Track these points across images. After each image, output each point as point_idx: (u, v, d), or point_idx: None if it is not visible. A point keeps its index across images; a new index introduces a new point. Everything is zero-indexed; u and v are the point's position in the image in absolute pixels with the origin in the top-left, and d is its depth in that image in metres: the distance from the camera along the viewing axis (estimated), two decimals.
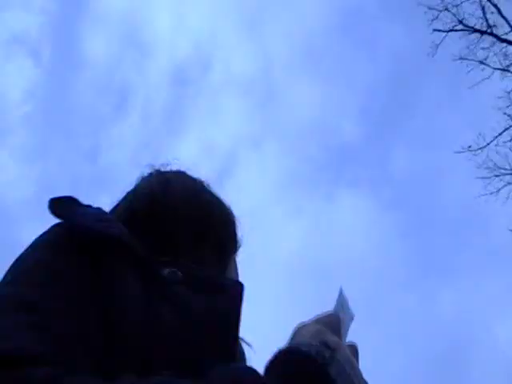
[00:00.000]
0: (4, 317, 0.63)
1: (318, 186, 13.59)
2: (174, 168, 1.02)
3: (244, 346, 0.87)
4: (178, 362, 0.68)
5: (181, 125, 13.74)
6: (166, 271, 0.78)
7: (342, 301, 0.81)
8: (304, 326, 0.75)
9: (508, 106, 10.02)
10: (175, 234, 0.91)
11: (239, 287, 0.80)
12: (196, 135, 14.08)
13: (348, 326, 0.80)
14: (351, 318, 0.81)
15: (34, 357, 0.58)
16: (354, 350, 0.76)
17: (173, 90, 14.04)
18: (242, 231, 1.03)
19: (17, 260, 0.73)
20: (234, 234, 0.99)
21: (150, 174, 1.00)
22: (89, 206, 0.83)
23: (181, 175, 1.00)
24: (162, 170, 1.01)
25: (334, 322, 0.76)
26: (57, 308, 0.65)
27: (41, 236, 0.76)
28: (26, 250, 0.74)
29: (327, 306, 0.79)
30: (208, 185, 1.00)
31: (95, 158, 13.59)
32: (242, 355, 0.86)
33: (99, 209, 0.83)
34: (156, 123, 13.79)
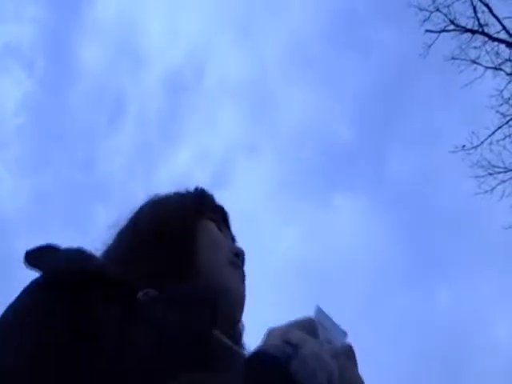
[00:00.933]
0: None
1: (314, 189, 13.60)
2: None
3: None
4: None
5: (176, 132, 13.79)
6: (140, 294, 0.77)
7: (320, 320, 0.78)
8: (273, 329, 0.74)
9: (501, 105, 10.04)
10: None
11: (210, 297, 0.80)
12: (191, 142, 14.07)
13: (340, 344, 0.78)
14: (343, 336, 0.79)
15: None
16: (347, 350, 0.75)
17: (167, 97, 14.06)
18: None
19: None
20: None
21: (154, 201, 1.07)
22: (67, 249, 0.80)
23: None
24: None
25: (308, 325, 0.75)
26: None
27: (19, 297, 0.73)
28: (6, 313, 0.71)
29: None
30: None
31: (90, 168, 13.56)
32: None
33: (73, 249, 0.80)
34: (151, 131, 13.81)
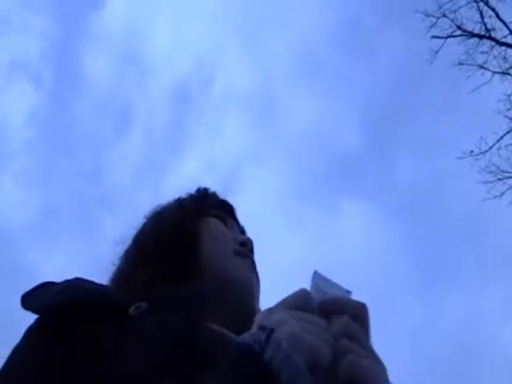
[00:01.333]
0: None
1: (321, 196, 13.60)
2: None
3: None
4: None
5: (183, 142, 13.82)
6: (131, 309, 0.74)
7: (318, 284, 0.73)
8: (257, 315, 0.68)
9: (509, 109, 10.00)
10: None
11: (192, 297, 0.76)
12: (198, 151, 14.12)
13: None
14: (347, 295, 0.73)
15: None
16: (355, 311, 0.68)
17: (174, 107, 14.11)
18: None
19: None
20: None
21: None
22: (59, 283, 0.78)
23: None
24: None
25: (301, 299, 0.68)
26: None
27: (22, 338, 0.72)
28: (11, 355, 0.70)
29: None
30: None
31: (98, 179, 13.63)
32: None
33: (66, 281, 0.78)
34: (158, 141, 13.84)
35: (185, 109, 14.83)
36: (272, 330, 0.61)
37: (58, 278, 0.78)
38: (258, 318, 0.67)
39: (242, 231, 1.13)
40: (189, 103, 14.43)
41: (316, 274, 0.74)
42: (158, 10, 14.62)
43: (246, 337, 0.63)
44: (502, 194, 9.75)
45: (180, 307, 0.73)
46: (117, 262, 1.02)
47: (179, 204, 1.09)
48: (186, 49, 14.64)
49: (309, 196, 13.26)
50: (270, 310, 0.67)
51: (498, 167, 9.88)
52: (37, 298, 0.75)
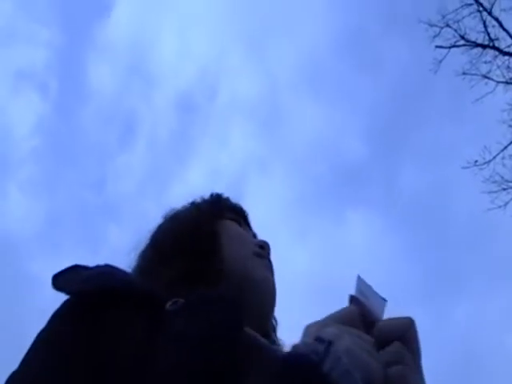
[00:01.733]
0: None
1: (326, 206, 13.58)
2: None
3: None
4: None
5: (188, 151, 13.81)
6: (168, 304, 0.71)
7: (361, 288, 0.75)
8: (309, 325, 0.69)
9: None
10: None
11: (230, 302, 0.72)
12: (203, 161, 14.11)
13: (381, 311, 0.74)
14: (383, 303, 0.75)
15: None
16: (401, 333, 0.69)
17: (179, 116, 14.11)
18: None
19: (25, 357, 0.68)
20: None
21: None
22: (91, 268, 0.78)
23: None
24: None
25: (348, 315, 0.70)
26: None
27: (49, 320, 0.71)
28: (37, 338, 0.69)
29: None
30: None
31: (102, 188, 13.64)
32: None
33: (98, 267, 0.78)
34: (163, 150, 13.85)
35: (190, 118, 14.87)
36: (330, 343, 0.61)
37: None
38: (311, 330, 0.67)
39: (254, 236, 1.14)
40: (194, 112, 14.47)
41: (359, 279, 0.75)
42: (163, 20, 14.70)
43: (300, 346, 0.63)
44: (506, 203, 9.73)
45: (223, 307, 0.70)
46: (132, 264, 1.02)
47: (195, 208, 1.10)
48: (191, 58, 14.65)
49: (313, 205, 13.24)
50: (323, 323, 0.67)
51: (502, 177, 9.87)
52: (66, 280, 0.74)
